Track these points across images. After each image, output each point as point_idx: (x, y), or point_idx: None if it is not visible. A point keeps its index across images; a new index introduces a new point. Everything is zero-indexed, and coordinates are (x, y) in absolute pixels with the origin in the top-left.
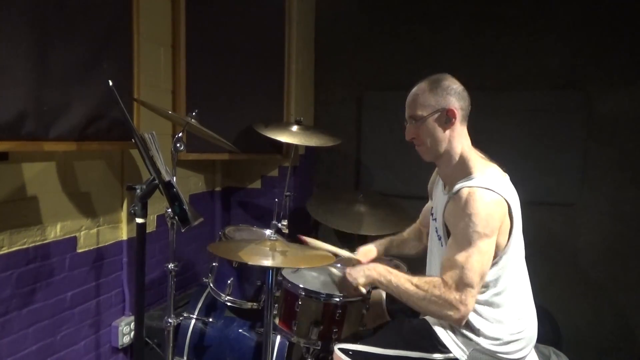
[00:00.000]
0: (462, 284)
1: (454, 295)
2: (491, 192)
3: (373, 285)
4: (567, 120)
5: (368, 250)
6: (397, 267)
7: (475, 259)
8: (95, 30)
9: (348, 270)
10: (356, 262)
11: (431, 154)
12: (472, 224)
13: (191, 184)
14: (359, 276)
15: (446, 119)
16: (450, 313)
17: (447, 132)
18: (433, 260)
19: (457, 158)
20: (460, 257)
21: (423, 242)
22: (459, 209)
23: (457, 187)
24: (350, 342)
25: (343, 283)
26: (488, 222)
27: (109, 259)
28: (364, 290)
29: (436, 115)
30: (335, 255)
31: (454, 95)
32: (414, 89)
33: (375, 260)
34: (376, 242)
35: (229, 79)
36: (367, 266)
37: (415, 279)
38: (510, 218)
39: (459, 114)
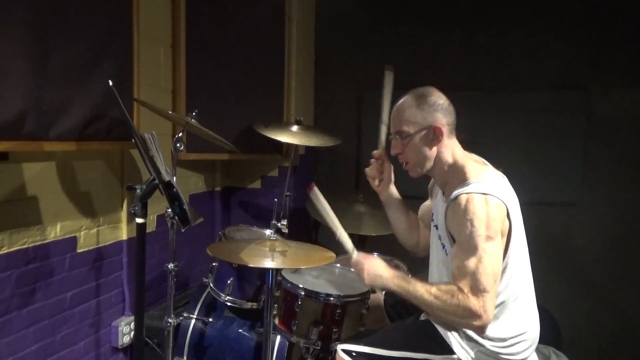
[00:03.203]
0: (478, 290)
1: (472, 303)
2: (489, 196)
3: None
4: (567, 120)
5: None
6: (396, 267)
7: (486, 263)
8: (95, 30)
9: (367, 265)
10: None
11: (418, 171)
12: (475, 228)
13: (191, 184)
14: (374, 279)
15: (433, 136)
16: (472, 321)
17: (434, 148)
18: (435, 268)
19: (449, 167)
20: (471, 263)
21: (413, 235)
22: (459, 215)
23: (454, 194)
24: (353, 342)
25: (358, 270)
26: (490, 225)
27: (108, 259)
28: (378, 291)
29: (423, 133)
30: (338, 253)
31: (441, 112)
32: (399, 104)
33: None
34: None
35: (229, 79)
36: (385, 273)
37: (434, 289)
38: (509, 220)
39: (445, 130)
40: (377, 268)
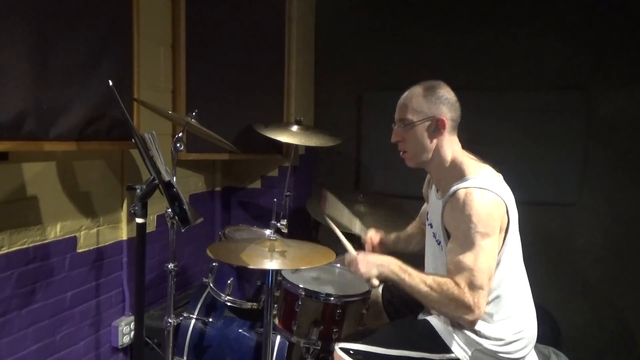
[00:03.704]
0: (473, 286)
1: (468, 298)
2: (488, 192)
3: (384, 280)
4: (567, 120)
5: (377, 233)
6: None
7: (482, 260)
8: (95, 30)
9: (361, 256)
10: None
11: (415, 160)
12: (473, 224)
13: (191, 184)
14: (371, 268)
15: (435, 128)
16: (465, 316)
17: (435, 141)
18: (429, 267)
19: (447, 163)
20: (467, 259)
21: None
22: (458, 210)
23: (452, 189)
24: (351, 341)
25: (353, 263)
26: (488, 221)
27: (109, 259)
28: (376, 282)
29: (426, 123)
30: (338, 252)
31: (447, 105)
32: (408, 92)
33: (382, 243)
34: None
35: (229, 79)
36: (381, 261)
37: (429, 280)
38: (507, 217)
39: (448, 125)
40: (371, 257)
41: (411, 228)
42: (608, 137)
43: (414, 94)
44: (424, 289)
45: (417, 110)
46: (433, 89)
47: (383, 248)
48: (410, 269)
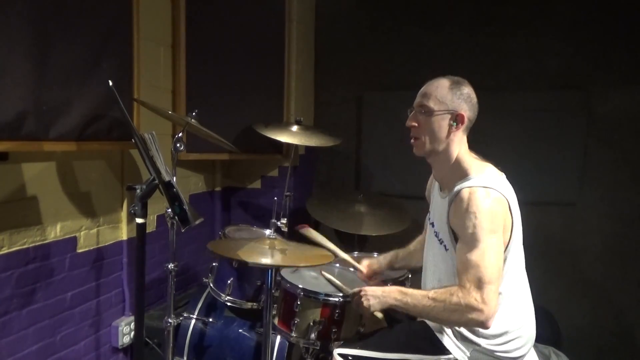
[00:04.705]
0: (480, 283)
1: (473, 297)
2: (491, 190)
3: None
4: (567, 120)
5: (371, 263)
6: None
7: (489, 255)
8: (95, 30)
9: (363, 293)
10: (353, 267)
11: (425, 149)
12: (478, 221)
13: (191, 184)
14: (373, 303)
15: (454, 122)
16: (474, 316)
17: (451, 135)
18: (429, 266)
19: (452, 161)
20: (474, 256)
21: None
22: (462, 210)
23: (456, 188)
24: (349, 346)
25: (357, 303)
26: (493, 219)
27: (109, 259)
28: (380, 315)
29: (446, 116)
30: (335, 255)
31: (468, 104)
32: (433, 81)
33: (377, 273)
34: (380, 256)
35: (229, 79)
36: (381, 292)
37: (432, 293)
38: (511, 215)
39: (466, 122)
40: (373, 291)
41: (414, 244)
42: (608, 137)
43: (440, 85)
44: (428, 302)
45: (441, 100)
46: (459, 84)
47: (379, 277)
48: (410, 290)
